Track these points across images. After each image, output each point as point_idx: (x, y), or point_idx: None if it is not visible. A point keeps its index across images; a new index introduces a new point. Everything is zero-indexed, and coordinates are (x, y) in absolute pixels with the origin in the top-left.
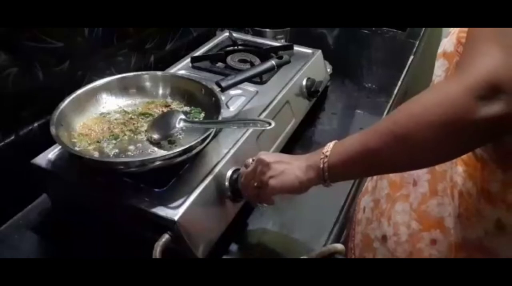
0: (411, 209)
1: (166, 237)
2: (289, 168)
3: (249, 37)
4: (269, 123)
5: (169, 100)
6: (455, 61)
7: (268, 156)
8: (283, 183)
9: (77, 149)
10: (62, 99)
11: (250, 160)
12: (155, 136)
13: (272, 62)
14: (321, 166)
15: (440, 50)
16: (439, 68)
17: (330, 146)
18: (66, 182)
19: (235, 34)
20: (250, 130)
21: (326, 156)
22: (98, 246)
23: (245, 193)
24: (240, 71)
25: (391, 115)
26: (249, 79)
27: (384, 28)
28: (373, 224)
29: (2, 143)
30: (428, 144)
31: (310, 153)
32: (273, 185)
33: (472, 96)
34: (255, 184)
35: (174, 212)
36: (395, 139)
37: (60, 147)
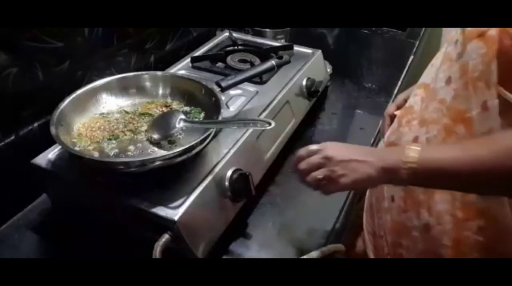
0: (454, 199)
1: (166, 237)
2: (362, 166)
3: (249, 37)
4: (269, 123)
5: (169, 100)
6: (495, 49)
7: (338, 151)
8: (355, 182)
9: (77, 149)
10: (62, 99)
11: (315, 147)
12: (155, 136)
13: (272, 62)
14: (403, 177)
15: (471, 29)
16: (474, 52)
17: (414, 156)
18: (66, 182)
19: (235, 34)
20: (250, 130)
21: (410, 168)
22: (98, 246)
23: (302, 179)
24: (240, 71)
25: None
26: (249, 79)
27: (384, 28)
28: (408, 213)
29: (2, 143)
30: None
31: (384, 149)
32: (344, 183)
33: None
34: (320, 177)
35: (174, 212)
36: None
37: (60, 147)
